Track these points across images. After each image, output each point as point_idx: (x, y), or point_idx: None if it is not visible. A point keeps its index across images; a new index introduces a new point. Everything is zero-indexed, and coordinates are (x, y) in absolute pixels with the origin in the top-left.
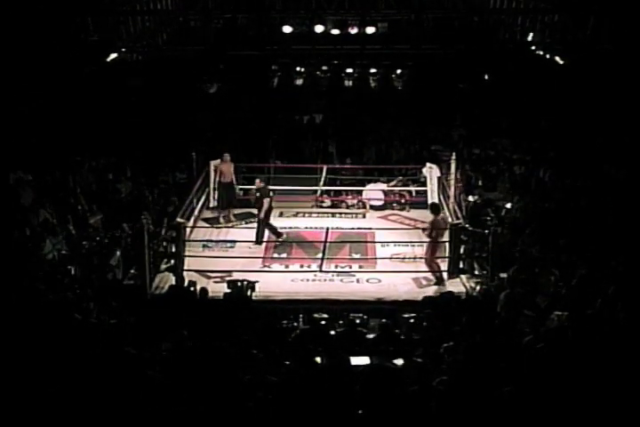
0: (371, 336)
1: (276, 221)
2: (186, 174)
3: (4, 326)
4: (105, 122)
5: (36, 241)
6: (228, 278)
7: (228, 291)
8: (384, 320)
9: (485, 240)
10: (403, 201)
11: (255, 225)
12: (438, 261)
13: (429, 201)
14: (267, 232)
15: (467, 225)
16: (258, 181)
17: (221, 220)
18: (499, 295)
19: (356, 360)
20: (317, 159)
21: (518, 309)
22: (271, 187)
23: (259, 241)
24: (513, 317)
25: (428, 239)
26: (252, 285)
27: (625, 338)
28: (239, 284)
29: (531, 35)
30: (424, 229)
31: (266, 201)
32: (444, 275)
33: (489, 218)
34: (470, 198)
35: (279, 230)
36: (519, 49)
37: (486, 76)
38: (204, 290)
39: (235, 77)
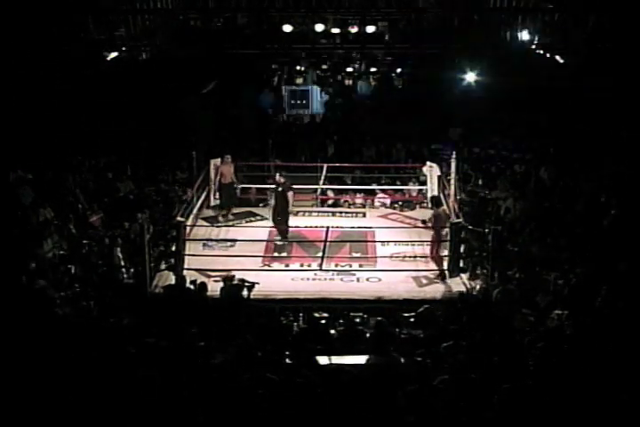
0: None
1: None
2: (186, 173)
3: (3, 324)
4: (105, 121)
5: (36, 240)
6: (223, 275)
7: (223, 287)
8: (379, 318)
9: (485, 239)
10: (401, 202)
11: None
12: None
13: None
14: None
15: (467, 224)
16: (278, 175)
17: (220, 219)
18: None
19: (355, 359)
20: (317, 158)
21: (513, 306)
22: (271, 186)
23: (285, 234)
24: (508, 314)
25: (428, 236)
26: (250, 285)
27: (625, 336)
28: (234, 281)
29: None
30: (425, 221)
31: (290, 195)
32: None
33: (489, 217)
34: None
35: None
36: (519, 48)
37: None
38: (202, 285)
39: (235, 76)
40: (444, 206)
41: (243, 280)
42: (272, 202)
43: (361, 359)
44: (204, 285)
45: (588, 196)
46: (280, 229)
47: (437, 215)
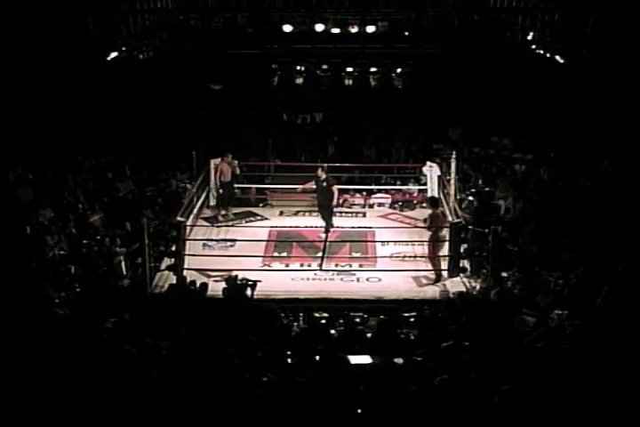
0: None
1: (276, 220)
2: (186, 173)
3: (3, 324)
4: (105, 121)
5: (36, 240)
6: (225, 275)
7: (225, 287)
8: (382, 317)
9: (486, 239)
10: (401, 202)
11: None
12: (440, 258)
13: None
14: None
15: (468, 224)
16: (320, 170)
17: (220, 218)
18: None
19: (357, 359)
20: (317, 158)
21: (513, 306)
22: (271, 186)
23: (329, 228)
24: (508, 314)
25: (427, 237)
26: (253, 283)
27: (625, 336)
28: (238, 281)
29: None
30: (424, 221)
31: (335, 188)
32: (445, 273)
33: (489, 217)
34: (470, 197)
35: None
36: (519, 48)
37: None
38: (203, 286)
39: (235, 76)
40: (442, 208)
41: (245, 279)
42: (316, 197)
43: (361, 359)
44: (204, 285)
45: (587, 196)
46: (327, 224)
47: (434, 216)
